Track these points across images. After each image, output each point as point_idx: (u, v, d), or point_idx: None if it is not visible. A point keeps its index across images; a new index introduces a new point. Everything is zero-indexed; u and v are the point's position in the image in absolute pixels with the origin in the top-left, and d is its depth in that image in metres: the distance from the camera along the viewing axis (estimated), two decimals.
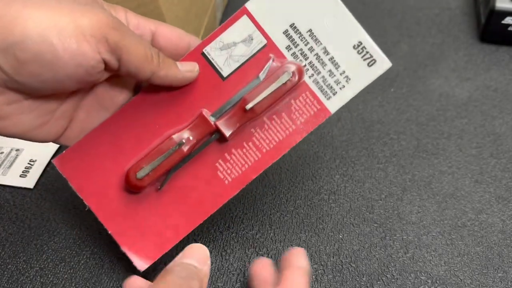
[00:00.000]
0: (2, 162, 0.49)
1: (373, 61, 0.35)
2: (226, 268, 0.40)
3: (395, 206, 0.44)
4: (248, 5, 0.35)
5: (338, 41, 0.35)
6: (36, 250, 0.42)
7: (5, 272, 0.40)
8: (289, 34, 0.35)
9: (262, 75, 0.35)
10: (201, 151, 0.36)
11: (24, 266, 0.41)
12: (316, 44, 0.35)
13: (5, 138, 0.53)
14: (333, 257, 0.41)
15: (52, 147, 0.51)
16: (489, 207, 0.44)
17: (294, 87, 0.35)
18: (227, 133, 0.35)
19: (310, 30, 0.35)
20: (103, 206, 0.36)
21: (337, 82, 0.36)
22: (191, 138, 0.35)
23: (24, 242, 0.43)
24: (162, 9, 0.45)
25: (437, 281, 0.39)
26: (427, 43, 0.62)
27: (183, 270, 0.30)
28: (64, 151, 0.35)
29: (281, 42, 0.35)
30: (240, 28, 0.35)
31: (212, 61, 0.35)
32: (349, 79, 0.36)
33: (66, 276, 0.40)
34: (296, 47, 0.35)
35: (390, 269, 0.40)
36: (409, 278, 0.39)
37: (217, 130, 0.35)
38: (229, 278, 0.40)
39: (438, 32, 0.63)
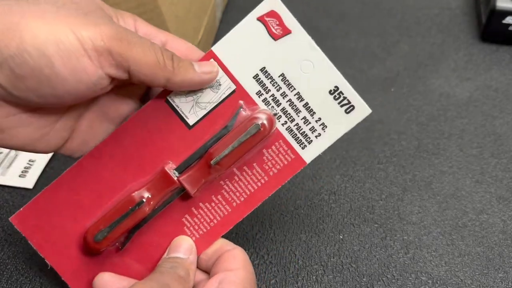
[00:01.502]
0: (2, 162, 0.49)
1: (351, 107, 0.33)
2: None
3: (395, 206, 0.44)
4: (215, 48, 0.33)
5: (313, 85, 0.33)
6: (35, 250, 0.42)
7: (5, 272, 0.40)
8: (259, 78, 0.33)
9: (230, 125, 0.33)
10: (165, 207, 0.34)
11: (24, 266, 0.41)
12: (289, 89, 0.33)
13: None
14: (334, 258, 0.41)
15: None
16: (489, 207, 0.44)
17: (267, 136, 0.33)
18: (192, 190, 0.33)
19: (282, 75, 0.32)
20: (65, 266, 0.34)
21: (313, 130, 0.33)
22: (152, 196, 0.33)
23: (24, 242, 0.43)
24: (161, 8, 0.45)
25: (438, 282, 0.39)
26: (427, 43, 0.62)
27: (168, 263, 0.32)
28: (21, 209, 0.34)
29: (251, 88, 0.33)
30: None
31: (177, 109, 0.33)
32: (326, 127, 0.33)
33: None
34: (267, 92, 0.33)
35: (390, 269, 0.40)
36: (410, 278, 0.39)
37: (181, 186, 0.33)
38: None
39: (438, 32, 0.63)
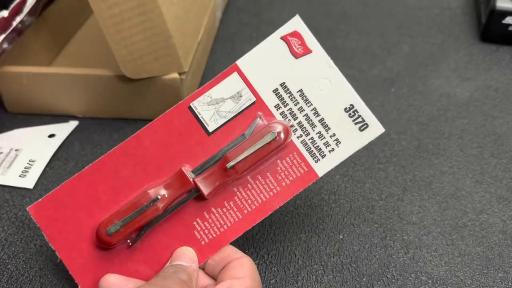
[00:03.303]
0: (2, 162, 0.49)
1: (365, 126, 0.34)
2: None
3: (395, 206, 0.44)
4: (239, 62, 0.35)
5: (329, 102, 0.34)
6: (35, 250, 0.42)
7: (5, 273, 0.40)
8: (279, 93, 0.34)
9: (247, 133, 0.34)
10: (178, 208, 0.34)
11: (24, 266, 0.41)
12: (307, 104, 0.34)
13: (5, 138, 0.53)
14: (333, 258, 0.41)
15: (52, 147, 0.51)
16: (489, 207, 0.44)
17: (281, 147, 0.34)
18: (206, 191, 0.34)
19: (300, 90, 0.34)
20: (75, 259, 0.35)
21: (327, 145, 0.34)
22: (167, 194, 0.34)
23: (23, 242, 0.43)
24: (161, 8, 0.45)
25: (438, 282, 0.39)
26: (428, 43, 0.62)
27: (171, 268, 0.33)
28: (40, 199, 0.34)
29: (270, 101, 0.34)
30: (230, 84, 0.35)
31: (199, 116, 0.35)
32: (339, 142, 0.34)
33: (66, 276, 0.40)
34: (285, 106, 0.34)
35: (390, 269, 0.40)
36: (410, 278, 0.39)
37: (196, 188, 0.34)
38: None
39: (439, 32, 0.63)
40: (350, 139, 0.34)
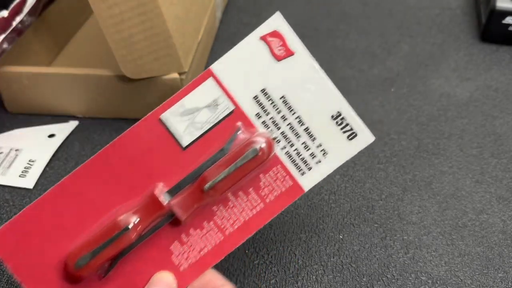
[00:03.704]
0: (2, 162, 0.49)
1: (354, 134, 0.32)
2: (226, 269, 0.40)
3: (395, 206, 0.44)
4: (214, 67, 0.31)
5: (314, 110, 0.31)
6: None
7: (5, 273, 0.40)
8: (259, 100, 0.31)
9: (227, 148, 0.31)
10: (153, 233, 0.31)
11: None
12: (290, 112, 0.31)
13: (5, 138, 0.53)
14: (333, 258, 0.41)
15: (52, 147, 0.51)
16: (489, 207, 0.44)
17: (265, 161, 0.31)
18: (182, 216, 0.30)
19: (283, 97, 0.31)
20: None
21: (313, 156, 0.32)
22: (140, 220, 0.30)
23: None
24: (161, 8, 0.45)
25: (438, 282, 0.39)
26: (428, 43, 0.62)
27: None
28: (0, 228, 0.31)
29: (250, 109, 0.31)
30: (205, 92, 0.31)
31: (171, 128, 0.31)
32: (326, 153, 0.32)
33: None
34: (267, 115, 0.31)
35: (390, 269, 0.40)
36: (410, 278, 0.39)
37: (171, 212, 0.31)
38: (229, 278, 0.40)
39: (439, 32, 0.63)
40: (337, 150, 0.32)
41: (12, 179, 0.48)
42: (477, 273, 0.39)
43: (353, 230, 0.42)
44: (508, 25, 0.58)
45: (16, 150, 0.51)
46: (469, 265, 0.40)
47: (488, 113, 0.53)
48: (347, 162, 0.48)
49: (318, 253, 0.41)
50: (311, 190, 0.46)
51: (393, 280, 0.39)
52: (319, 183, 0.45)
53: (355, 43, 0.63)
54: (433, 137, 0.50)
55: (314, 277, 0.39)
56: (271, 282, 0.39)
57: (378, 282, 0.39)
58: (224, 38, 0.66)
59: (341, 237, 0.42)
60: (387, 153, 0.49)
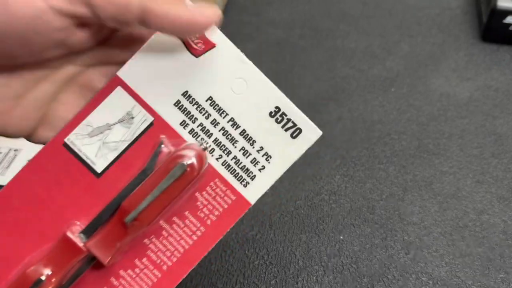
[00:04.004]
0: (1, 162, 0.49)
1: (298, 131, 0.27)
2: (226, 269, 0.40)
3: (396, 206, 0.44)
4: (121, 73, 0.26)
5: (249, 108, 0.27)
6: None
7: None
8: (182, 105, 0.27)
9: (149, 168, 0.26)
10: (74, 282, 0.27)
11: None
12: (221, 115, 0.27)
13: (4, 138, 0.52)
14: (334, 258, 0.40)
15: None
16: (490, 208, 0.44)
17: (197, 178, 0.27)
18: (105, 258, 0.26)
19: (210, 98, 0.27)
20: None
21: (255, 163, 0.27)
22: (54, 270, 0.26)
23: None
24: None
25: (438, 282, 0.39)
26: (428, 42, 0.62)
27: None
28: None
29: (173, 118, 0.27)
30: (114, 104, 0.27)
31: (79, 153, 0.27)
32: (270, 157, 0.27)
33: None
34: (194, 122, 0.27)
35: (391, 270, 0.39)
36: (410, 279, 0.39)
37: (91, 254, 0.26)
38: (229, 279, 0.40)
39: (439, 32, 0.63)
40: (282, 151, 0.27)
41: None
42: (478, 274, 0.39)
43: (354, 230, 0.42)
44: (509, 24, 0.58)
45: (15, 150, 0.51)
46: (470, 265, 0.40)
47: (488, 113, 0.52)
48: (347, 162, 0.48)
49: (319, 254, 0.41)
50: (311, 190, 0.45)
51: (394, 281, 0.39)
52: (319, 183, 0.45)
53: (355, 43, 0.63)
54: (433, 137, 0.50)
55: (314, 277, 0.39)
56: (271, 283, 0.39)
57: (379, 283, 0.39)
58: None
59: (341, 237, 0.42)
60: (387, 153, 0.49)
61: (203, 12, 0.24)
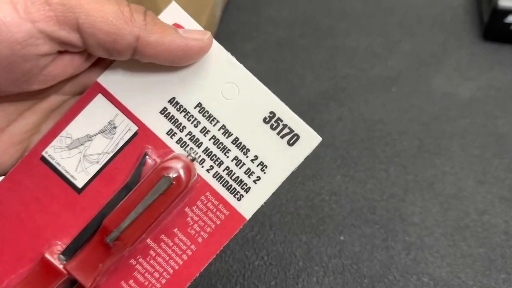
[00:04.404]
0: None
1: (295, 137, 0.25)
2: (226, 270, 0.40)
3: (397, 207, 0.44)
4: (102, 79, 0.25)
5: (241, 114, 0.25)
6: None
7: None
8: (169, 113, 0.25)
9: (132, 182, 0.25)
10: None
11: None
12: (211, 122, 0.25)
13: None
14: (334, 259, 0.40)
15: None
16: (492, 208, 0.43)
17: (185, 191, 0.25)
18: (86, 282, 0.24)
19: (199, 105, 0.25)
20: None
21: (249, 174, 0.26)
22: None
23: None
24: (160, 7, 0.44)
25: (440, 283, 0.38)
26: (429, 42, 0.62)
27: None
28: None
29: (159, 127, 0.25)
30: (95, 113, 0.25)
31: (58, 168, 0.25)
32: (266, 167, 0.26)
33: None
34: (182, 130, 0.25)
35: (392, 270, 0.39)
36: (411, 280, 0.39)
37: (71, 277, 0.24)
38: (229, 280, 0.39)
39: (440, 31, 0.63)
40: (279, 160, 0.25)
41: None
42: (479, 274, 0.39)
43: (354, 231, 0.42)
44: (511, 24, 0.58)
45: None
46: (471, 266, 0.39)
47: (490, 112, 0.52)
48: (347, 162, 0.48)
49: (319, 255, 0.41)
50: (311, 191, 0.45)
51: (395, 282, 0.39)
52: (319, 183, 0.45)
53: (356, 42, 0.63)
54: (434, 137, 0.50)
55: (314, 278, 0.39)
56: (271, 283, 0.39)
57: (380, 284, 0.38)
58: (223, 37, 0.66)
59: (342, 238, 0.42)
60: (388, 153, 0.49)
61: (198, 38, 0.24)
